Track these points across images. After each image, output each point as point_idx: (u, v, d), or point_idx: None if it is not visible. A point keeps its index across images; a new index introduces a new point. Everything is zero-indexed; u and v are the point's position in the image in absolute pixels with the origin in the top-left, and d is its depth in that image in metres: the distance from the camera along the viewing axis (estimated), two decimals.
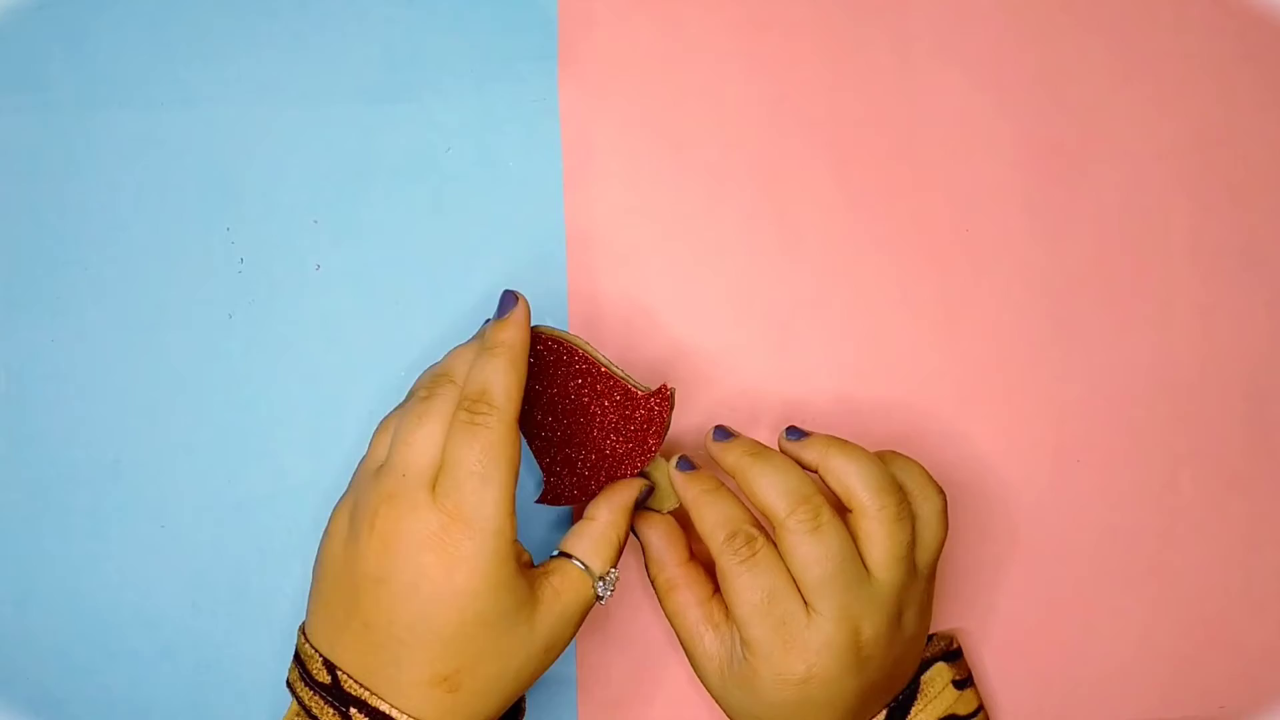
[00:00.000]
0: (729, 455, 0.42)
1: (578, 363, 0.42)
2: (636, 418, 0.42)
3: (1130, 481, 0.51)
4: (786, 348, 0.51)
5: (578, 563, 0.40)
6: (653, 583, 0.44)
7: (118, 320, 0.50)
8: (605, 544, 0.40)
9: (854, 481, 0.40)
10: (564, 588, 0.39)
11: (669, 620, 0.44)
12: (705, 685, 0.43)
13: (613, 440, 0.42)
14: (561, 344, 0.43)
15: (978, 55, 0.52)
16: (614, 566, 0.40)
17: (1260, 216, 0.52)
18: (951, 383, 0.51)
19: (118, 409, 0.50)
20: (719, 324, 0.51)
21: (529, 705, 0.49)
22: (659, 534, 0.44)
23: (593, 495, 0.43)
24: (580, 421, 0.42)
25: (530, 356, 0.41)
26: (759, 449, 0.42)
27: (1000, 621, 0.50)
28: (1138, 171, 0.52)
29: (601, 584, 0.40)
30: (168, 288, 0.50)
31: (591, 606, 0.40)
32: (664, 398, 0.42)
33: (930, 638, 0.48)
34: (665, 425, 0.43)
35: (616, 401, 0.42)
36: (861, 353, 0.51)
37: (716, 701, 0.43)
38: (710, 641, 0.42)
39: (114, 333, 0.50)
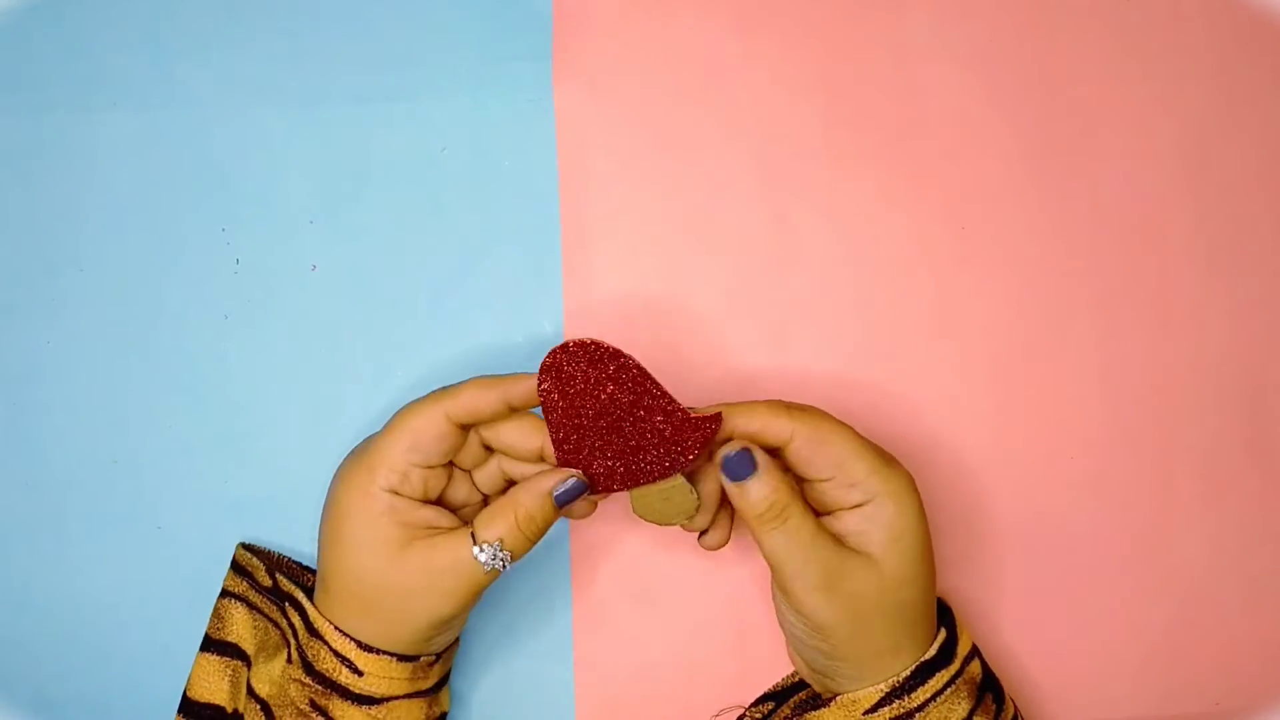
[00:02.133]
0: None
1: (630, 371, 0.42)
2: (687, 439, 0.42)
3: (1125, 479, 0.51)
4: (782, 347, 0.51)
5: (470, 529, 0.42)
6: (785, 513, 0.42)
7: (114, 321, 0.50)
8: (499, 515, 0.41)
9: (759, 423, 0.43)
10: (443, 543, 0.41)
11: (808, 549, 0.41)
12: (855, 599, 0.42)
13: (650, 450, 0.42)
14: (618, 352, 0.42)
15: (974, 53, 0.52)
16: (501, 540, 0.41)
17: (1257, 215, 0.52)
18: (947, 380, 0.51)
19: (114, 410, 0.50)
20: (714, 323, 0.51)
21: (529, 705, 0.49)
22: (775, 470, 0.42)
23: (600, 490, 0.43)
24: (624, 424, 0.42)
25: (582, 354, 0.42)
26: (730, 405, 0.43)
27: (995, 620, 0.50)
28: (1134, 170, 0.52)
29: (479, 549, 0.41)
30: (164, 288, 0.50)
31: (475, 570, 0.41)
32: (719, 424, 0.42)
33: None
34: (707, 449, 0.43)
35: (671, 416, 0.42)
36: (857, 351, 0.51)
37: (859, 620, 0.42)
38: (846, 547, 0.42)
39: (110, 334, 0.50)
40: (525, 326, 0.51)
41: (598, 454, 0.42)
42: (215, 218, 0.51)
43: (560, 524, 0.50)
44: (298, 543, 0.49)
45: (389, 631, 0.42)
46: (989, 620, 0.50)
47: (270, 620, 0.46)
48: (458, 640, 0.47)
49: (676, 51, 0.52)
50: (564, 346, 0.41)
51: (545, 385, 0.42)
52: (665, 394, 0.42)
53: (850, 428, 0.43)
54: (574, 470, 0.42)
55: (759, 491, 0.41)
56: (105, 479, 0.50)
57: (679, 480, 0.43)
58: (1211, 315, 0.51)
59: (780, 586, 0.43)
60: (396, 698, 0.43)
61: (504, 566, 0.42)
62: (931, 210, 0.52)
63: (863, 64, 0.52)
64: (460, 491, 0.45)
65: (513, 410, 0.43)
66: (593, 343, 0.41)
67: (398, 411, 0.43)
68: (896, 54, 0.52)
